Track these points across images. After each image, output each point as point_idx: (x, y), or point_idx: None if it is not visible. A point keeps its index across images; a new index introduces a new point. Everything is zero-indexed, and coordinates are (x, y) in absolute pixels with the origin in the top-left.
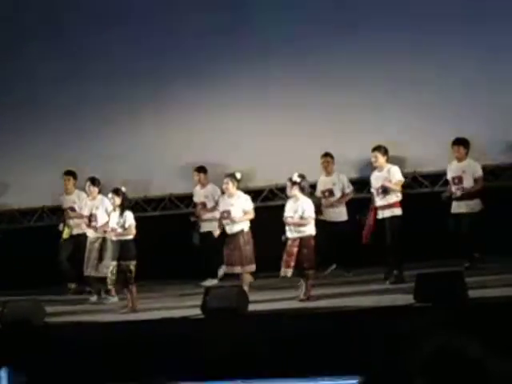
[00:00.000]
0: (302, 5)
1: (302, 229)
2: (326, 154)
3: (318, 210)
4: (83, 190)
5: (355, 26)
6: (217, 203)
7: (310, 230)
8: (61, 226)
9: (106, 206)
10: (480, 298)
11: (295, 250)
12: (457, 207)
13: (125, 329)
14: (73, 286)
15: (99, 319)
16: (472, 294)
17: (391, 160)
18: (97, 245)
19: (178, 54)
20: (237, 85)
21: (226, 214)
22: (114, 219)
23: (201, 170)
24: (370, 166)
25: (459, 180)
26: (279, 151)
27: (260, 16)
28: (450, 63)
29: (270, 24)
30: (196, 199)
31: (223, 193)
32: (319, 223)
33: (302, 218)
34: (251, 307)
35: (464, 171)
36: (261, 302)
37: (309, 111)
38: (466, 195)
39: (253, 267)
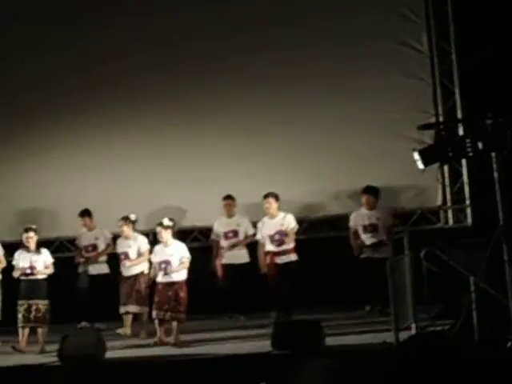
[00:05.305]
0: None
1: (177, 273)
2: (229, 197)
3: (216, 254)
4: None
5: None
6: (108, 246)
7: (185, 274)
8: None
9: None
10: (337, 346)
11: (169, 293)
12: (370, 253)
13: None
14: None
15: None
16: (330, 341)
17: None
18: None
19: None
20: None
21: (124, 256)
22: (30, 257)
23: (85, 213)
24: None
25: (374, 228)
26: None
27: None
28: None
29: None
30: (84, 242)
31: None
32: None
33: (180, 261)
34: (119, 354)
35: (378, 218)
36: (127, 348)
37: (203, 160)
38: (381, 242)
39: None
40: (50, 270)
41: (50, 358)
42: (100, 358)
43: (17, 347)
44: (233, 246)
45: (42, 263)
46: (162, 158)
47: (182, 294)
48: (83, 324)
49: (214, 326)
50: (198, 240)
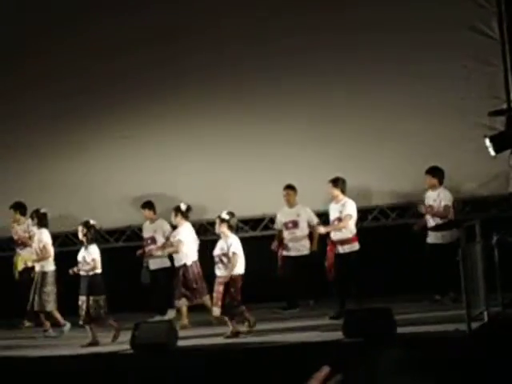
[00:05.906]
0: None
1: (230, 266)
2: (288, 187)
3: (280, 244)
4: None
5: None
6: (167, 239)
7: (239, 268)
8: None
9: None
10: (408, 334)
11: (221, 288)
12: (434, 238)
13: (51, 364)
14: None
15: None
16: (401, 330)
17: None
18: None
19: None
20: (192, 120)
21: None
22: (80, 253)
23: (146, 205)
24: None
25: (432, 209)
26: (232, 185)
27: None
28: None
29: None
30: (145, 235)
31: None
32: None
33: (229, 256)
34: (190, 342)
35: (434, 200)
36: (198, 337)
37: (269, 147)
38: (439, 226)
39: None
40: (93, 266)
41: (123, 346)
42: (172, 346)
43: (86, 343)
44: (295, 239)
45: (84, 259)
46: (230, 146)
47: (233, 290)
48: (156, 318)
49: (285, 314)
50: (269, 228)
